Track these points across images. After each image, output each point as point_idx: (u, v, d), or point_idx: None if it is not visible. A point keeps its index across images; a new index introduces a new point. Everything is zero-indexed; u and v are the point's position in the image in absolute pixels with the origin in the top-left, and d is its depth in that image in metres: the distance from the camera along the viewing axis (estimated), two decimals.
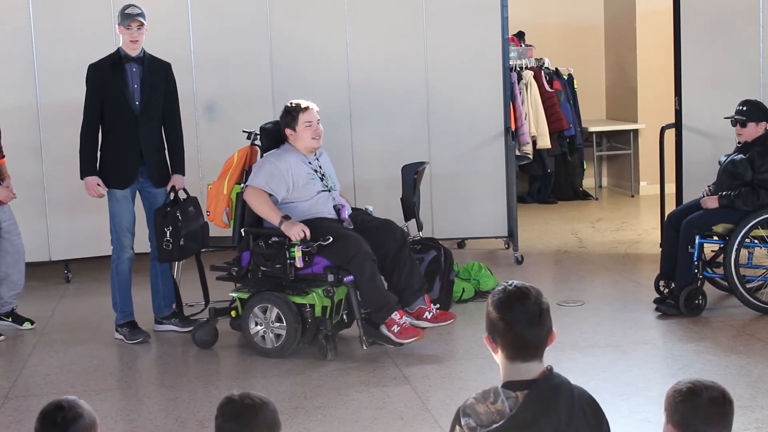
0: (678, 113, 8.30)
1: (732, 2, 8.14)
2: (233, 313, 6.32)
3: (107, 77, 6.43)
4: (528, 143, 10.75)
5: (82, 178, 6.52)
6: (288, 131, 6.37)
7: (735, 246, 6.53)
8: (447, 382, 5.57)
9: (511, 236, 8.73)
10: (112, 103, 6.42)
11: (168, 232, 6.48)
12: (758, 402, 5.04)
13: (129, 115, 6.45)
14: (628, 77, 11.88)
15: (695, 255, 6.58)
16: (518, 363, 2.67)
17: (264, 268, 6.15)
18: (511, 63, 9.50)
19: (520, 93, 10.81)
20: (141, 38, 6.45)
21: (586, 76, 11.93)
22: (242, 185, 6.29)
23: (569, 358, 5.80)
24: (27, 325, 6.86)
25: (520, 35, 11.30)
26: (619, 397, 5.20)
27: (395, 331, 5.90)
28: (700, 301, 6.63)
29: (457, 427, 2.66)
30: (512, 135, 8.78)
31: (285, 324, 6.04)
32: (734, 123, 6.71)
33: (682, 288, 6.60)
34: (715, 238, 6.73)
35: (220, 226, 6.46)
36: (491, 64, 8.61)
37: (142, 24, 6.39)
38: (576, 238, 9.42)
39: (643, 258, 8.44)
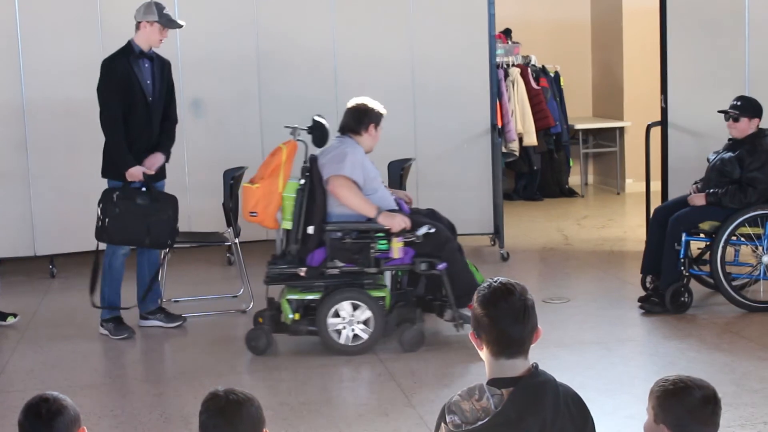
0: (664, 111, 8.31)
1: (718, 1, 8.16)
2: (297, 316, 6.03)
3: (126, 71, 6.43)
4: (514, 140, 10.76)
5: (123, 171, 6.39)
6: (363, 129, 6.26)
7: (721, 243, 6.54)
8: (432, 379, 5.57)
9: (497, 233, 8.73)
10: (130, 96, 6.42)
11: (99, 210, 6.44)
12: (742, 399, 5.05)
13: (144, 109, 6.48)
14: (614, 75, 11.89)
15: (681, 252, 6.59)
16: (503, 360, 2.67)
17: (343, 264, 6.02)
18: (497, 60, 9.51)
19: (507, 90, 10.82)
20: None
21: (573, 74, 11.95)
22: (300, 181, 6.03)
23: (554, 355, 5.81)
24: (11, 320, 6.82)
25: (507, 32, 11.30)
26: (604, 394, 5.21)
27: None
28: (686, 299, 6.64)
29: (443, 424, 2.66)
30: (499, 132, 8.79)
31: (373, 320, 5.96)
32: (727, 117, 6.71)
33: (668, 285, 6.62)
34: (702, 235, 6.74)
35: (270, 227, 6.19)
36: (478, 61, 8.60)
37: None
38: (562, 236, 9.44)
39: (628, 255, 8.45)
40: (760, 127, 6.68)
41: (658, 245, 6.72)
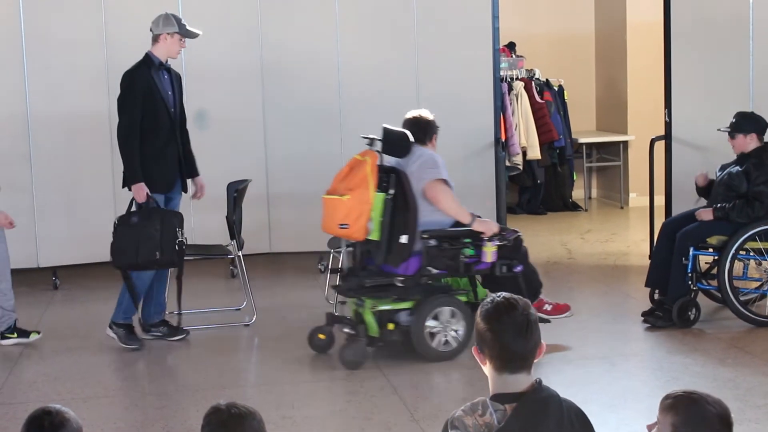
0: (668, 125, 8.31)
1: (722, 15, 8.17)
2: (391, 326, 6.03)
3: (148, 83, 6.45)
4: (518, 154, 10.76)
5: (129, 184, 6.43)
6: (428, 140, 6.38)
7: (729, 258, 6.54)
8: (435, 393, 5.56)
9: None
10: (154, 108, 6.44)
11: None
12: (746, 415, 5.04)
13: (168, 120, 6.52)
14: (618, 89, 11.90)
15: (689, 267, 6.59)
16: (506, 375, 2.67)
17: (436, 270, 6.08)
18: (501, 74, 9.52)
19: (511, 104, 10.82)
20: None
21: (577, 88, 11.96)
22: (389, 191, 5.99)
23: (558, 369, 5.79)
24: (34, 336, 6.65)
25: (511, 46, 11.32)
26: (607, 409, 5.19)
27: (548, 309, 6.40)
28: (693, 313, 6.63)
29: None
30: (502, 146, 8.79)
31: (466, 330, 6.03)
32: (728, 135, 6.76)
33: (675, 299, 6.61)
34: (710, 250, 6.74)
35: (357, 239, 6.01)
36: (482, 74, 8.61)
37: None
38: (565, 249, 9.43)
39: (632, 270, 8.44)
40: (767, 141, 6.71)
41: (665, 259, 6.72)
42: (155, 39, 6.54)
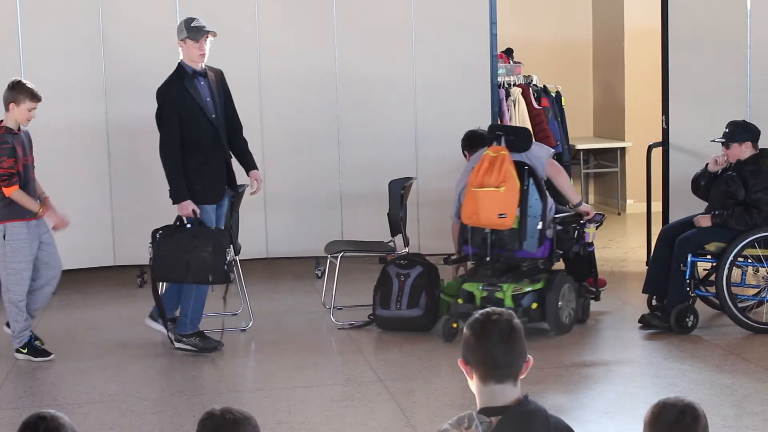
0: (665, 132, 8.32)
1: (720, 22, 8.17)
2: (534, 305, 6.52)
3: (183, 96, 6.40)
4: None
5: (176, 202, 6.40)
6: None
7: (727, 265, 6.54)
8: (432, 399, 5.55)
9: None
10: (193, 120, 6.40)
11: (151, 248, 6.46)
12: (743, 421, 5.03)
13: (210, 129, 6.47)
14: (615, 95, 11.90)
15: (687, 273, 6.59)
16: (492, 385, 2.67)
17: (561, 252, 6.67)
18: (499, 80, 9.51)
19: (508, 110, 10.79)
20: (207, 51, 6.47)
21: (574, 94, 11.94)
22: (530, 180, 6.50)
23: (554, 376, 5.78)
24: (37, 344, 6.53)
25: (508, 52, 11.30)
26: (604, 415, 5.19)
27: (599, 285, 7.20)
28: (691, 320, 6.63)
29: None
30: None
31: (574, 303, 6.74)
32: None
33: (673, 306, 6.60)
34: (708, 256, 6.73)
35: (508, 227, 6.45)
36: (479, 80, 8.62)
37: (208, 38, 6.44)
38: None
39: (629, 276, 8.44)
40: (762, 147, 6.71)
41: (664, 266, 6.72)
42: (180, 47, 6.48)
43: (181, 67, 6.48)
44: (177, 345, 6.52)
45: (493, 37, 8.57)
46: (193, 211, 6.35)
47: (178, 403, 5.62)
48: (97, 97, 8.28)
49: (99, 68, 8.30)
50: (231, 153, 6.70)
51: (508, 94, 10.89)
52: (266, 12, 8.56)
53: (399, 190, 7.28)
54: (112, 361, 6.44)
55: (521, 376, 2.70)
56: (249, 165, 6.78)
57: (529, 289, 6.56)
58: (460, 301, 6.63)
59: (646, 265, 7.73)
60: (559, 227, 6.60)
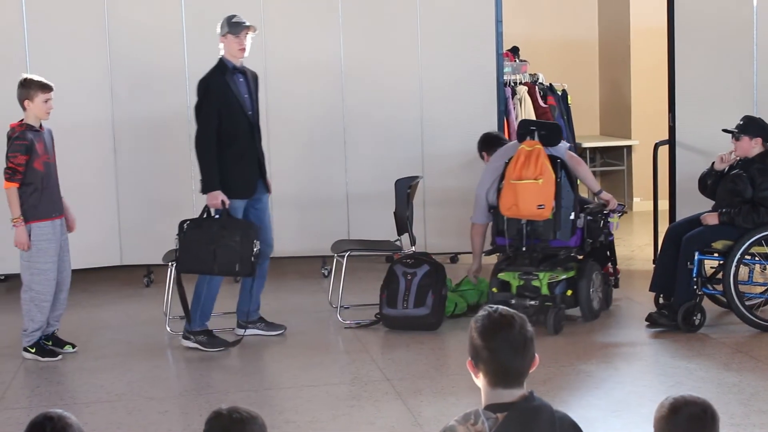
0: (672, 130, 8.30)
1: (726, 19, 8.15)
2: (569, 292, 6.80)
3: (224, 89, 6.47)
4: None
5: (206, 192, 6.45)
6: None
7: (734, 262, 6.53)
8: (439, 398, 5.55)
9: None
10: (231, 114, 6.46)
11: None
12: (751, 420, 5.02)
13: (246, 124, 6.54)
14: (622, 93, 11.89)
15: (695, 271, 6.58)
16: (500, 389, 2.67)
17: (591, 240, 6.98)
18: (505, 78, 9.50)
19: (514, 108, 10.79)
20: (248, 47, 6.52)
21: (580, 92, 11.93)
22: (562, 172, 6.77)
23: (561, 374, 5.77)
24: (68, 348, 6.57)
25: (514, 50, 11.28)
26: (611, 414, 5.18)
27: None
28: (698, 318, 6.62)
29: None
30: None
31: (603, 290, 7.08)
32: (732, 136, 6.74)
33: (681, 304, 6.60)
34: (715, 254, 6.73)
35: (546, 217, 6.70)
36: (485, 79, 8.62)
37: (248, 35, 6.50)
38: None
39: (636, 274, 8.42)
40: None
41: (671, 264, 6.71)
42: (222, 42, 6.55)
43: (222, 62, 6.55)
44: (184, 342, 6.53)
45: (499, 35, 8.57)
46: (222, 201, 6.39)
47: (185, 402, 5.62)
48: (103, 97, 8.28)
49: (105, 68, 8.30)
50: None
51: (514, 93, 10.88)
52: (272, 11, 8.55)
53: (405, 189, 7.28)
54: (119, 360, 6.44)
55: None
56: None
57: (564, 277, 6.80)
58: (495, 290, 6.88)
59: (653, 263, 7.72)
60: (589, 217, 6.91)
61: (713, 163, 6.88)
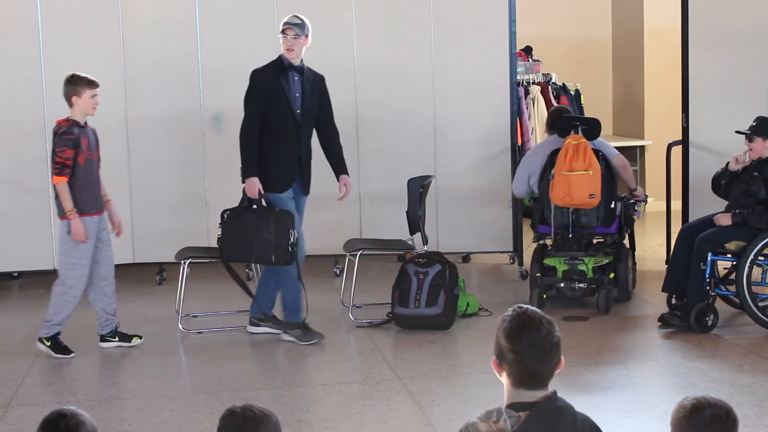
0: (685, 130, 8.28)
1: (740, 19, 8.13)
2: (612, 275, 7.32)
3: (273, 83, 6.58)
4: None
5: (244, 179, 6.54)
6: None
7: (747, 263, 6.52)
8: (450, 397, 5.55)
9: (517, 251, 8.71)
10: (277, 108, 6.56)
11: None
12: (764, 421, 5.01)
13: (292, 122, 6.60)
14: (635, 93, 11.86)
15: (707, 272, 6.57)
16: (523, 390, 2.66)
17: (627, 227, 7.58)
18: (518, 78, 9.50)
19: (527, 108, 10.80)
20: (297, 48, 6.62)
21: (593, 92, 11.92)
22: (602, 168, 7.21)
23: (573, 374, 5.77)
24: (136, 341, 6.63)
25: (527, 50, 11.28)
26: (623, 414, 5.17)
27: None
28: (711, 319, 6.60)
29: None
30: (519, 150, 8.77)
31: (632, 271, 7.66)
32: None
33: (693, 304, 6.58)
34: (729, 255, 6.71)
35: (594, 206, 7.17)
36: (498, 78, 8.60)
37: (297, 35, 6.58)
38: None
39: (648, 275, 8.40)
40: None
41: (684, 265, 6.70)
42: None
43: (279, 58, 6.67)
44: (251, 329, 6.72)
45: (512, 35, 8.56)
46: (259, 191, 6.47)
47: (197, 400, 5.63)
48: (117, 94, 8.30)
49: (119, 65, 8.32)
50: (326, 156, 6.89)
51: (527, 93, 10.89)
52: (285, 10, 8.55)
53: (418, 188, 7.28)
54: (131, 358, 6.46)
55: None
56: (339, 169, 6.93)
57: (606, 261, 7.29)
58: (538, 275, 7.29)
59: (666, 263, 7.70)
60: (624, 207, 7.46)
61: (727, 163, 6.87)
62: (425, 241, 7.38)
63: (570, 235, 7.28)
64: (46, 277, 8.49)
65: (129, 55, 8.32)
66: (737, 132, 6.79)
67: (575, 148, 7.13)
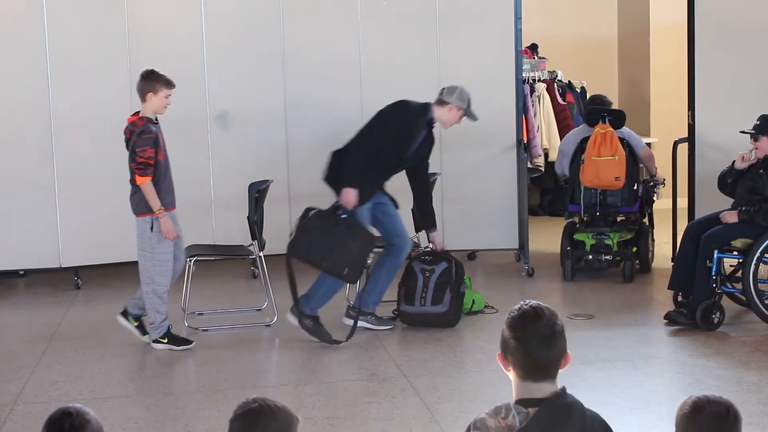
0: (691, 127, 8.27)
1: (747, 16, 8.12)
2: (634, 249, 8.25)
3: (410, 130, 6.73)
4: (540, 156, 10.72)
5: (347, 186, 6.50)
6: None
7: (754, 261, 6.51)
8: (456, 395, 5.55)
9: (522, 249, 8.71)
10: (395, 151, 6.70)
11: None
12: None
13: (393, 167, 6.81)
14: (641, 91, 11.84)
15: (714, 269, 6.55)
16: (529, 383, 2.66)
17: (648, 207, 8.49)
18: (524, 75, 9.48)
19: (533, 105, 10.79)
20: (448, 123, 6.98)
21: (599, 90, 11.84)
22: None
23: (579, 372, 5.76)
24: (146, 339, 6.57)
25: (533, 48, 11.28)
26: (629, 412, 5.17)
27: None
28: (717, 316, 6.59)
29: None
30: (524, 147, 8.76)
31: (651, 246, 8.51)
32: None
33: (699, 302, 6.57)
34: (735, 252, 6.70)
35: (619, 188, 8.11)
36: (504, 76, 8.59)
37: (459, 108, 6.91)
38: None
39: (655, 272, 8.39)
40: None
41: (690, 262, 6.69)
42: (441, 103, 6.82)
43: (427, 110, 6.83)
44: (290, 319, 6.65)
45: (518, 32, 8.54)
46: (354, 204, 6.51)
47: (202, 398, 5.63)
48: (122, 96, 8.28)
49: (125, 67, 8.30)
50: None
51: (533, 90, 10.89)
52: (291, 6, 8.56)
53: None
54: (137, 356, 6.47)
55: (560, 370, 2.69)
56: (429, 225, 7.15)
57: (629, 236, 8.19)
58: (569, 248, 8.18)
59: (672, 261, 7.69)
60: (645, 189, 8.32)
61: (733, 162, 6.85)
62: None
63: (597, 213, 8.22)
64: (52, 276, 8.53)
65: (135, 58, 8.31)
66: (742, 132, 6.79)
67: (603, 136, 8.03)
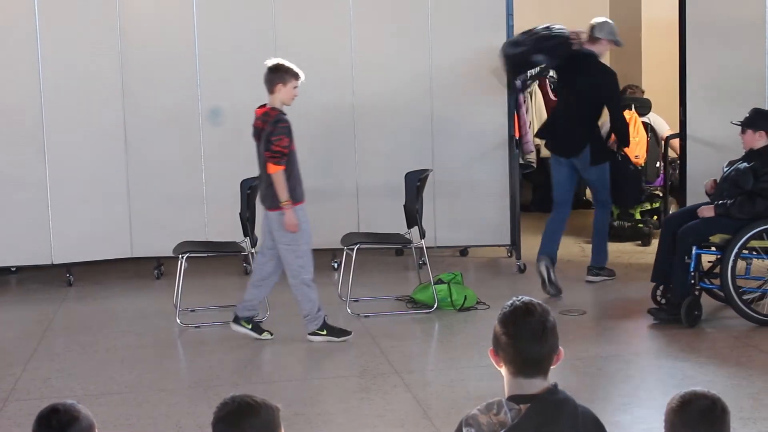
0: (682, 123, 8.28)
1: (738, 13, 8.13)
2: (654, 218, 9.70)
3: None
4: (532, 152, 10.72)
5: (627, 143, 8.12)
6: None
7: (732, 257, 6.48)
8: (448, 391, 5.55)
9: (514, 245, 8.72)
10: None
11: None
12: (761, 413, 5.01)
13: None
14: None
15: (692, 265, 6.53)
16: (521, 379, 2.67)
17: (670, 182, 9.57)
18: None
19: (525, 101, 10.79)
20: None
21: None
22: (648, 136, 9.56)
23: (570, 367, 5.77)
24: (266, 335, 6.60)
25: None
26: (620, 407, 5.18)
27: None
28: (698, 312, 6.59)
29: None
30: (516, 143, 8.77)
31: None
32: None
33: (679, 298, 6.56)
34: (713, 248, 6.69)
35: (641, 164, 9.33)
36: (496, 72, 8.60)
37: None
38: (579, 247, 9.41)
39: (646, 268, 8.38)
40: None
41: (669, 255, 6.67)
42: (595, 40, 8.10)
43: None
44: (593, 278, 7.95)
45: (510, 28, 8.56)
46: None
47: (194, 394, 5.63)
48: (115, 91, 8.30)
49: (116, 62, 8.31)
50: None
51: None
52: (283, 3, 8.56)
53: (415, 182, 7.28)
54: (129, 352, 6.46)
55: (552, 367, 2.70)
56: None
57: (653, 206, 9.55)
58: None
59: (656, 254, 7.69)
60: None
61: (705, 190, 6.92)
62: (422, 235, 7.38)
63: None
64: (44, 272, 8.52)
65: (127, 53, 8.31)
66: (732, 123, 6.78)
67: (628, 120, 8.68)
